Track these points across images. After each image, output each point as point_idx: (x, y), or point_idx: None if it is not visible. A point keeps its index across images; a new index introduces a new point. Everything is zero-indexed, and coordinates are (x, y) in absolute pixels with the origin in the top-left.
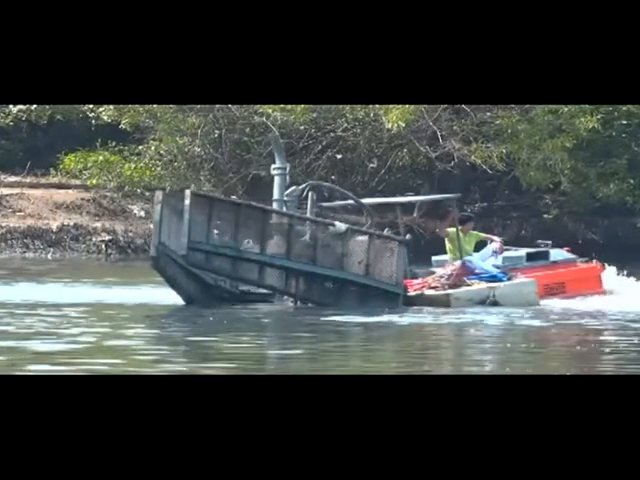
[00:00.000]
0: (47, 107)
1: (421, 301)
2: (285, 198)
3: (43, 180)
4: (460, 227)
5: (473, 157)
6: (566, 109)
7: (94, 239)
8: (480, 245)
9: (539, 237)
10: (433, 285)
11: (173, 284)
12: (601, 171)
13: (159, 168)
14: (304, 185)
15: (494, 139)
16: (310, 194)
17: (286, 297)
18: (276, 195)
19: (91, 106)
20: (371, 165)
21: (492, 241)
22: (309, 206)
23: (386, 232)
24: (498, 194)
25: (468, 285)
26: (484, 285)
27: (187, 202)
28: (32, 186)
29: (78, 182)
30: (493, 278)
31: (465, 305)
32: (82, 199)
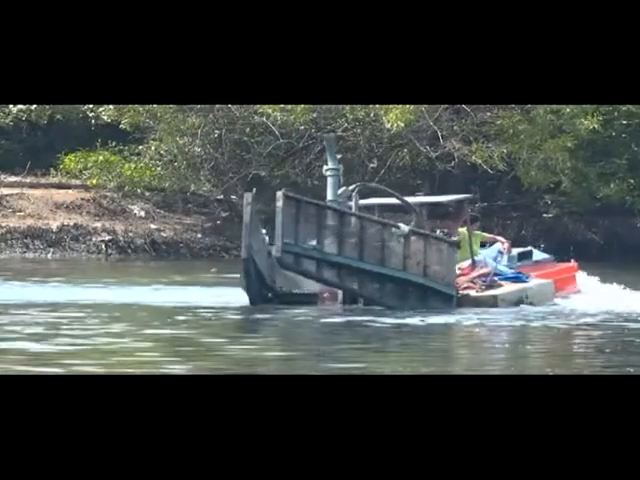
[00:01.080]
0: (47, 107)
1: (467, 302)
2: (339, 199)
3: (43, 180)
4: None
5: (474, 157)
6: (567, 109)
7: (94, 239)
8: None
9: (539, 237)
10: (464, 286)
11: (250, 286)
12: (601, 171)
13: (159, 168)
14: (354, 186)
15: (495, 139)
16: (355, 195)
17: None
18: (330, 196)
19: (91, 106)
20: (371, 165)
21: (496, 241)
22: (354, 207)
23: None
24: (498, 194)
25: (500, 286)
26: (518, 286)
27: (279, 204)
28: (32, 186)
29: (78, 182)
30: (517, 279)
31: (508, 306)
32: (82, 199)
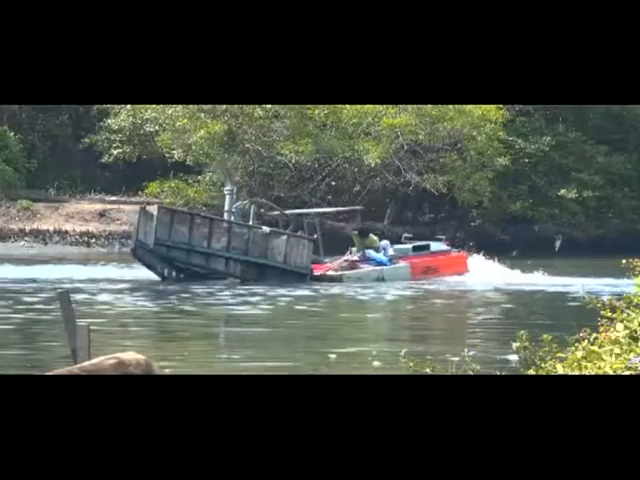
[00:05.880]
0: (136, 151)
1: (322, 279)
2: None
3: (133, 199)
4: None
5: (425, 184)
6: (488, 152)
7: None
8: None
9: (469, 238)
10: (334, 268)
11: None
12: (510, 194)
13: (212, 192)
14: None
15: (439, 171)
16: None
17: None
18: None
19: (166, 149)
20: (355, 188)
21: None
22: None
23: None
24: (441, 209)
25: (358, 268)
26: (374, 268)
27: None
28: (125, 203)
29: (157, 200)
30: (380, 263)
31: (356, 282)
32: None
